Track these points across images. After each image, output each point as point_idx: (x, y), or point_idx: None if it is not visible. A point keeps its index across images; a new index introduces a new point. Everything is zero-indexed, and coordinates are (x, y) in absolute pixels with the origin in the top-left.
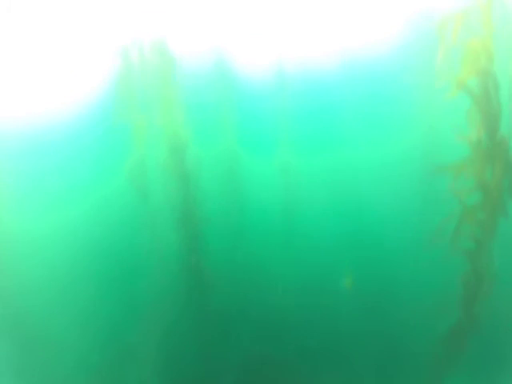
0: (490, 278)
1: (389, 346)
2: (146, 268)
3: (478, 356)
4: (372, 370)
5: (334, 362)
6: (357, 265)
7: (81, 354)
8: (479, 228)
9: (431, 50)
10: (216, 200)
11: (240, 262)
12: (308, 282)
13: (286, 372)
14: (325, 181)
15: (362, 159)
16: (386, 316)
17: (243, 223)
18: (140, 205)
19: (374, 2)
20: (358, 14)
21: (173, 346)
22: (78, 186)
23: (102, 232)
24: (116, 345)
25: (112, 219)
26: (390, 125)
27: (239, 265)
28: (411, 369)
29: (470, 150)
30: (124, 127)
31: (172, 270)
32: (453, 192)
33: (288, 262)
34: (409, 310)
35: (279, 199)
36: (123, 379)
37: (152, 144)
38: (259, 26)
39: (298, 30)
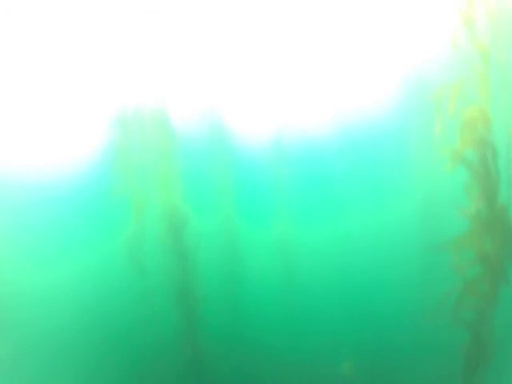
0: (491, 347)
1: None
2: (142, 341)
3: None
4: None
5: None
6: (358, 336)
7: None
8: (480, 299)
9: (428, 119)
10: (215, 273)
11: (238, 335)
12: (308, 356)
13: None
14: (324, 250)
15: (361, 229)
16: None
17: (242, 295)
18: (137, 278)
19: (370, 72)
20: (354, 82)
21: None
22: (72, 254)
23: (97, 298)
24: None
25: (107, 289)
26: (387, 194)
27: (237, 339)
28: None
29: (470, 223)
30: (122, 198)
31: (169, 345)
32: (454, 266)
33: (287, 335)
34: (411, 380)
35: (278, 270)
36: None
37: (150, 217)
38: (257, 97)
39: (295, 98)
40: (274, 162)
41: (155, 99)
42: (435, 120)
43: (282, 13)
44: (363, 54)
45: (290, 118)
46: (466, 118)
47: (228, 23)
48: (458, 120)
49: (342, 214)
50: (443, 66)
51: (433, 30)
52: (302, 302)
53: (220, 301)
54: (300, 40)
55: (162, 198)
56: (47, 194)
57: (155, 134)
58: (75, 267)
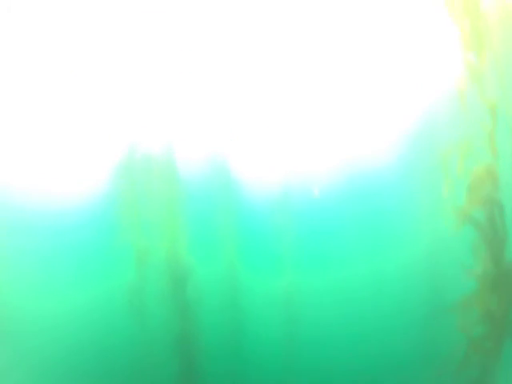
0: None
1: None
2: None
3: None
4: None
5: None
6: None
7: None
8: (485, 355)
9: (434, 177)
10: (216, 323)
11: None
12: None
13: None
14: (329, 301)
15: (367, 280)
16: None
17: (243, 346)
18: (136, 326)
19: (375, 124)
20: (358, 135)
21: None
22: (68, 291)
23: (94, 343)
24: None
25: (104, 336)
26: (392, 251)
27: None
28: None
29: (476, 282)
30: (124, 241)
31: None
32: (459, 325)
33: None
34: None
35: (281, 320)
36: None
37: (152, 264)
38: (263, 145)
39: (301, 146)
40: (280, 209)
41: (161, 145)
42: (441, 178)
43: (290, 61)
44: (370, 104)
45: (296, 166)
46: (473, 176)
47: (237, 71)
48: (466, 179)
49: (348, 266)
50: (449, 119)
51: (439, 82)
52: (303, 354)
53: (221, 351)
54: (307, 89)
55: (165, 245)
56: (48, 222)
57: (160, 180)
58: (69, 308)
